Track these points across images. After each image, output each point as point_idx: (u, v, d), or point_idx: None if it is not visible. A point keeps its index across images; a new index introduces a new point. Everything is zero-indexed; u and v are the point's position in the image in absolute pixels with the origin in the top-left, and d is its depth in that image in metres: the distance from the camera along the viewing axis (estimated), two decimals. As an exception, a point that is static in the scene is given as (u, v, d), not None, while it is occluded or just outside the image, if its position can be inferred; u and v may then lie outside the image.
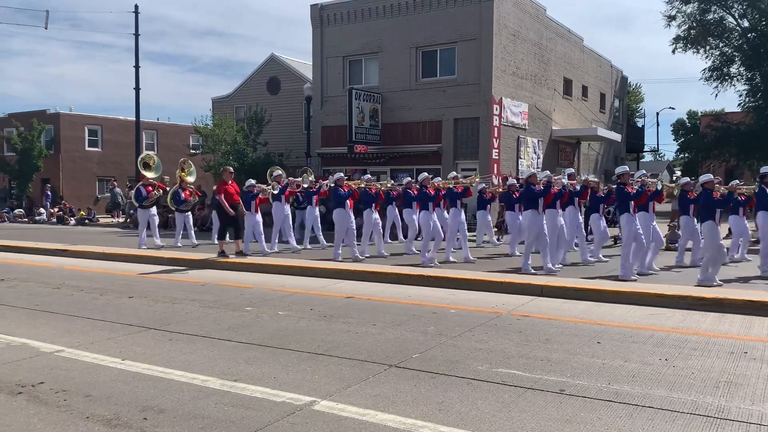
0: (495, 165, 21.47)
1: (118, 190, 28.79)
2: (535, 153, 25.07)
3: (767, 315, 7.18)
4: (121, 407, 4.37)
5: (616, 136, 31.07)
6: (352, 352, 5.79)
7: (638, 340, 6.14)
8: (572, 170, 13.07)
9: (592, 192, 12.06)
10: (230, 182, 12.78)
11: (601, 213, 12.17)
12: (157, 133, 39.22)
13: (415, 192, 12.47)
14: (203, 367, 5.31)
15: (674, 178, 12.25)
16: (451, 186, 12.75)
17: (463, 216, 12.70)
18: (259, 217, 13.72)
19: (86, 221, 26.91)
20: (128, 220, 25.59)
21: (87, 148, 37.20)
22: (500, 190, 15.84)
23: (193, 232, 15.83)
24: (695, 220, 11.00)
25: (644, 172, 11.53)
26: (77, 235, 20.01)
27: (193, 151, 28.49)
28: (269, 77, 29.97)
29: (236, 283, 10.05)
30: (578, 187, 12.07)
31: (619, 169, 10.66)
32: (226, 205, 12.37)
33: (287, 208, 14.28)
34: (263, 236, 13.67)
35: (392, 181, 15.91)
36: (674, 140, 52.63)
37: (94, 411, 4.31)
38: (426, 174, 12.55)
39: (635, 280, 9.55)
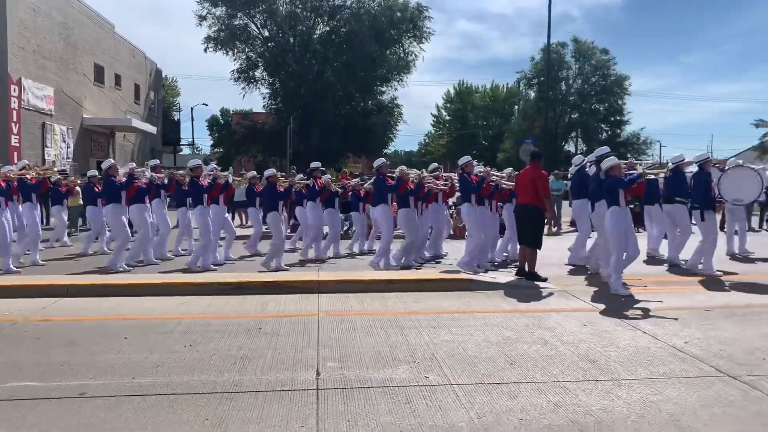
0: (15, 153, 18.99)
1: None
2: (64, 142, 23.16)
3: (279, 294, 8.20)
4: None
5: (152, 129, 31.12)
6: None
7: (165, 331, 6.27)
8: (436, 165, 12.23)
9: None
10: None
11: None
12: None
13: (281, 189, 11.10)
14: None
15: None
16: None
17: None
18: None
19: None
20: None
21: None
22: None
23: None
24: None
25: (273, 170, 11.93)
26: None
27: None
28: None
29: None
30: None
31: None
32: None
33: None
34: None
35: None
36: (209, 135, 55.56)
37: None
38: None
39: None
